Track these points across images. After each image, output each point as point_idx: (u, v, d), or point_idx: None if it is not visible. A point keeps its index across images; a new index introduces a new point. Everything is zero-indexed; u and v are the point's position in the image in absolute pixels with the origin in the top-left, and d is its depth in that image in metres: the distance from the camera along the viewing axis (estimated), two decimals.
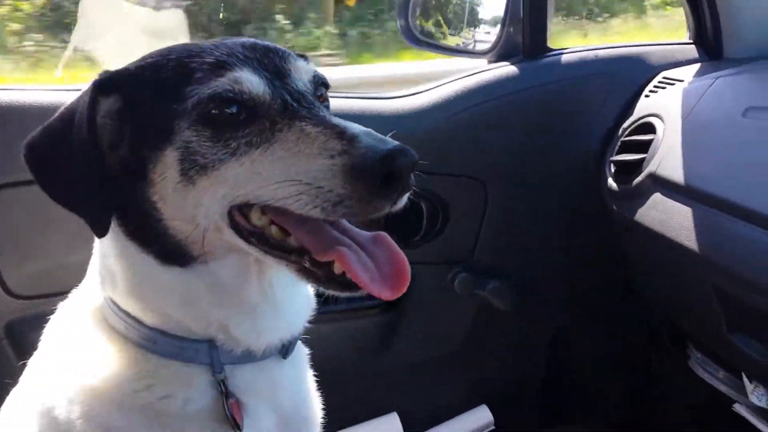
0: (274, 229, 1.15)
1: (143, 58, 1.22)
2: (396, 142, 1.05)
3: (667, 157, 1.94)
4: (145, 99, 1.16)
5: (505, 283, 2.42)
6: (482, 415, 2.56)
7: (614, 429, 2.77)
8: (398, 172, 1.03)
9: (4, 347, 2.01)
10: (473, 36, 2.84)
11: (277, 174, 1.08)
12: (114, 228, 1.21)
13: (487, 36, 2.69)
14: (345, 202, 1.05)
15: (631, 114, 2.28)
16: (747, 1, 2.38)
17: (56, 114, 1.22)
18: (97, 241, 1.28)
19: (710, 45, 2.45)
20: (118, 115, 1.18)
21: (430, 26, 2.86)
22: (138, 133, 1.16)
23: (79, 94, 1.21)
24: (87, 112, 1.13)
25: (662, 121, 2.08)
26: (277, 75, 1.18)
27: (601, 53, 2.42)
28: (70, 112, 1.18)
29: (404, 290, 1.17)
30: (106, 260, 1.26)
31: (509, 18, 2.43)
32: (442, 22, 2.94)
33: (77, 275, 2.02)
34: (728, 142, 1.79)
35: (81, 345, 1.27)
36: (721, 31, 2.42)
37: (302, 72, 1.23)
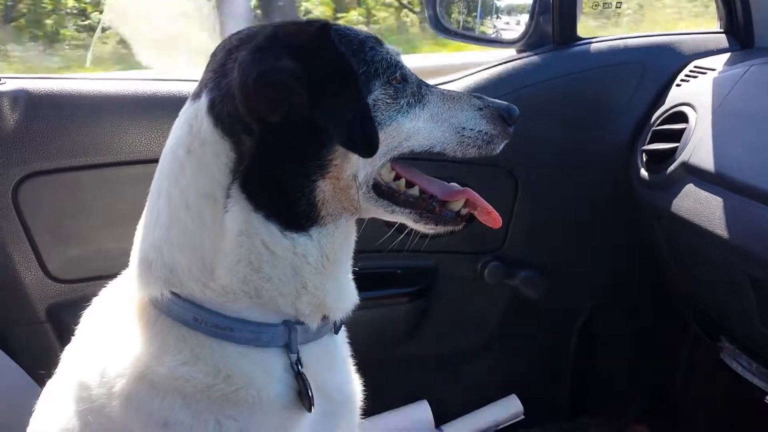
0: (402, 182, 1.37)
1: (304, 30, 1.24)
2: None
3: (700, 146, 1.93)
4: (342, 61, 1.23)
5: (535, 273, 2.43)
6: (512, 404, 2.58)
7: (643, 419, 2.77)
8: (517, 117, 1.43)
9: (46, 330, 2.07)
10: (502, 25, 2.83)
11: (439, 125, 1.36)
12: (240, 203, 1.19)
13: (516, 25, 2.68)
14: (494, 139, 1.40)
15: (662, 103, 2.27)
16: None
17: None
18: (159, 234, 1.24)
19: (741, 34, 2.43)
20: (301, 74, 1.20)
21: (458, 16, 2.86)
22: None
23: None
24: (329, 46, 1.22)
25: (694, 110, 2.06)
26: None
27: (631, 42, 2.41)
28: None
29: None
30: (206, 247, 1.21)
31: (539, 6, 2.42)
32: (470, 11, 2.93)
33: (115, 261, 2.07)
34: (761, 130, 1.78)
35: (133, 345, 1.24)
36: (752, 20, 2.40)
37: None
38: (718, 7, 2.53)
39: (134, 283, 1.28)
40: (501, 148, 1.42)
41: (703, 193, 1.87)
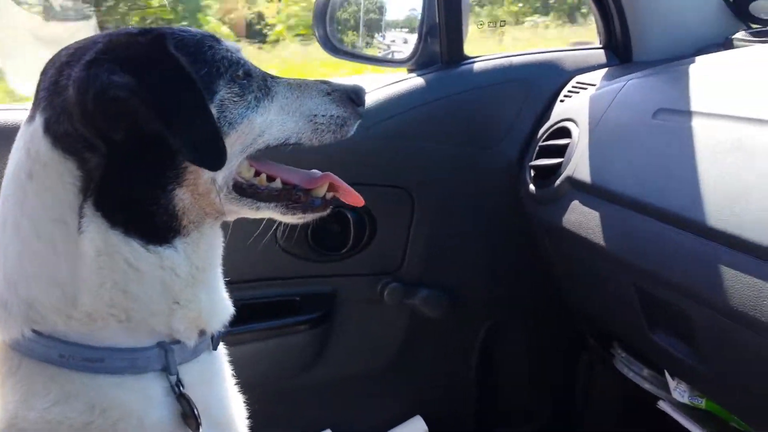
0: (263, 177, 1.36)
1: (133, 35, 1.20)
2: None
3: (583, 161, 1.98)
4: (180, 71, 1.18)
5: (434, 291, 2.43)
6: (417, 425, 2.55)
7: (548, 430, 2.81)
8: (364, 95, 1.45)
9: None
10: (392, 45, 2.84)
11: (290, 115, 1.36)
12: (95, 222, 1.13)
13: (404, 44, 2.70)
14: (347, 122, 1.41)
15: (548, 119, 2.33)
16: (653, 5, 2.45)
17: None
18: (11, 268, 1.16)
19: (620, 49, 2.52)
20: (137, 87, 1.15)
21: (348, 36, 2.85)
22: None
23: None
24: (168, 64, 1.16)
25: (577, 125, 2.12)
26: None
27: (516, 60, 2.46)
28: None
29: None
30: (63, 274, 1.14)
31: (426, 27, 2.44)
32: (360, 31, 2.93)
33: None
34: (639, 144, 1.84)
35: None
36: (629, 35, 2.49)
37: None
38: (597, 23, 2.62)
39: None
40: (354, 129, 1.45)
41: (588, 206, 1.91)
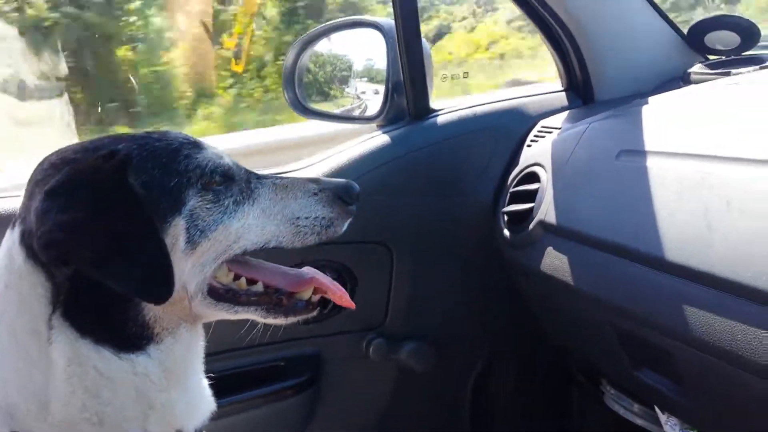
0: (243, 281, 1.35)
1: (111, 144, 1.24)
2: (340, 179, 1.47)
3: (552, 204, 2.02)
4: (150, 178, 1.21)
5: (420, 344, 2.43)
6: None
7: None
8: (357, 193, 1.44)
9: None
10: (362, 96, 2.89)
11: (271, 219, 1.34)
12: (64, 332, 1.15)
13: (375, 94, 2.74)
14: (333, 222, 1.39)
15: (517, 164, 2.37)
16: (609, 44, 2.51)
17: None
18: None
19: (581, 90, 2.58)
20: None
21: (316, 96, 2.90)
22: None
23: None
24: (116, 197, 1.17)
25: (545, 169, 2.16)
26: None
27: (480, 109, 2.51)
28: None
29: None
30: (37, 383, 1.16)
31: (392, 84, 2.49)
32: (329, 91, 2.98)
33: None
34: (604, 185, 1.88)
35: None
36: (589, 75, 2.55)
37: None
38: (557, 66, 2.68)
39: None
40: (345, 228, 1.43)
41: (559, 249, 1.94)
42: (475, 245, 2.45)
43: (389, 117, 2.53)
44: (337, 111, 2.94)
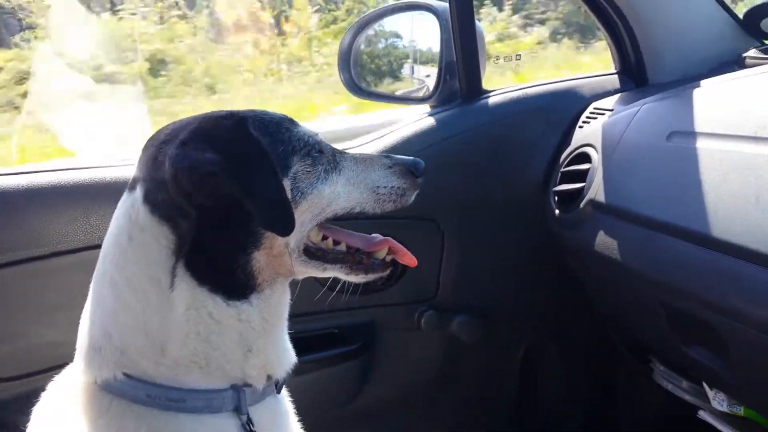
0: (330, 241, 1.50)
1: (219, 119, 1.38)
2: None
3: (603, 184, 2.07)
4: (264, 141, 1.37)
5: (470, 317, 2.51)
6: None
7: None
8: (423, 168, 1.61)
9: None
10: (415, 83, 2.96)
11: (356, 187, 1.49)
12: (185, 280, 1.28)
13: (427, 77, 2.81)
14: (406, 192, 1.56)
15: (568, 145, 2.42)
16: (664, 27, 2.53)
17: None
18: (107, 319, 1.30)
19: (634, 73, 2.60)
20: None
21: (371, 77, 2.98)
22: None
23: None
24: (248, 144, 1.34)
25: (596, 150, 2.20)
26: None
27: (532, 91, 2.55)
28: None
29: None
30: (154, 326, 1.28)
31: (445, 65, 2.56)
32: (384, 71, 3.06)
33: (49, 353, 2.06)
34: (655, 166, 1.92)
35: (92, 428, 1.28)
36: (643, 59, 2.57)
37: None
38: (611, 49, 2.71)
39: (84, 370, 1.31)
40: (413, 198, 1.59)
41: (610, 227, 1.99)
42: (525, 223, 2.51)
43: (442, 98, 2.60)
44: (390, 92, 3.02)
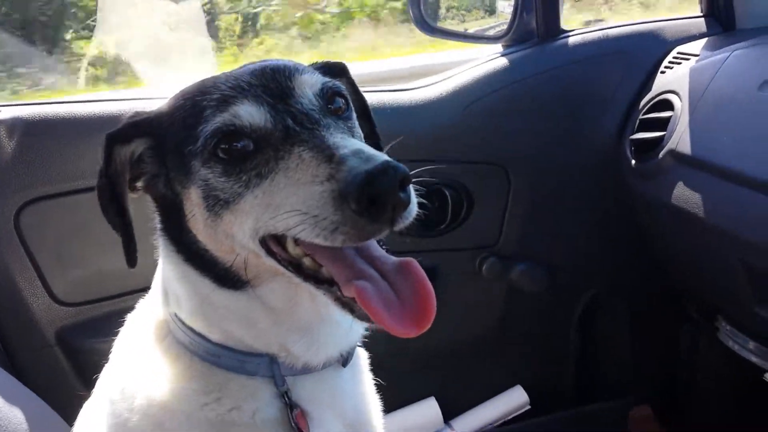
0: (308, 260, 1.13)
1: (170, 99, 1.27)
2: (380, 161, 0.98)
3: (686, 134, 1.97)
4: (167, 142, 1.23)
5: (532, 266, 2.47)
6: (517, 395, 2.63)
7: (647, 401, 2.81)
8: (383, 193, 0.97)
9: (56, 353, 2.10)
10: (488, 21, 2.86)
11: (282, 204, 1.06)
12: (173, 254, 1.28)
13: (501, 21, 2.70)
14: (340, 228, 1.00)
15: (648, 91, 2.30)
16: None
17: None
18: (160, 261, 1.35)
19: (722, 17, 2.45)
20: (152, 153, 1.27)
21: (443, 13, 2.89)
22: (168, 173, 1.25)
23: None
24: (102, 164, 1.28)
25: (679, 97, 2.10)
26: (281, 97, 1.15)
27: (613, 32, 2.43)
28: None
29: (428, 326, 1.13)
30: (169, 282, 1.32)
31: (521, 1, 2.45)
32: (455, 8, 2.96)
33: (118, 281, 2.10)
34: (745, 116, 1.81)
35: (149, 359, 1.32)
36: (732, 2, 2.42)
37: (307, 87, 1.19)
38: None
39: (155, 302, 1.38)
40: (377, 235, 1.04)
41: (692, 180, 1.91)
42: (596, 173, 2.43)
43: (516, 37, 2.49)
44: (461, 30, 2.92)
